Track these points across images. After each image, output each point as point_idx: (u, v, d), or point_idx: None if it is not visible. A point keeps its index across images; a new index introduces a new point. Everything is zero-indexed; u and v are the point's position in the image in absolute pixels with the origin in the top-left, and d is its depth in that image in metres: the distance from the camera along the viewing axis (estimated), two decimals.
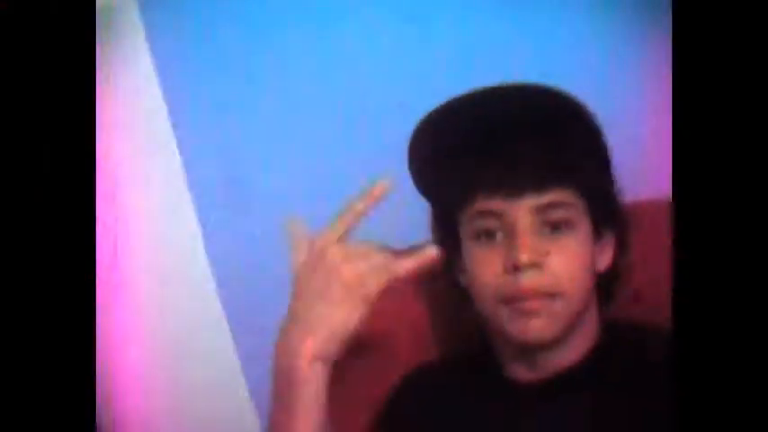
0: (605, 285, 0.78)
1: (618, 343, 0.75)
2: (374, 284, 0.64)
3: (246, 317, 1.14)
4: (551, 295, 0.70)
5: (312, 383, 0.64)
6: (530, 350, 0.73)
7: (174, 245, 1.19)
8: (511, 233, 0.70)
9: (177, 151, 1.17)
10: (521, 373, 0.75)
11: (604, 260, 0.77)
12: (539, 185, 0.70)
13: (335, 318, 0.64)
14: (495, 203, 0.71)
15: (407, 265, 0.65)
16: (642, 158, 0.98)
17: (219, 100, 1.15)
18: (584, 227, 0.73)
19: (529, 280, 0.69)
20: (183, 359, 1.22)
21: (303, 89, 1.13)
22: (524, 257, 0.68)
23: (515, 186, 0.70)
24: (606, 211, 0.76)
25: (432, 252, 0.66)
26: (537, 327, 0.70)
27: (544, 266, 0.69)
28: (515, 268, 0.69)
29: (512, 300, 0.70)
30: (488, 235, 0.72)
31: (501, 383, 0.76)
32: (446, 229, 0.77)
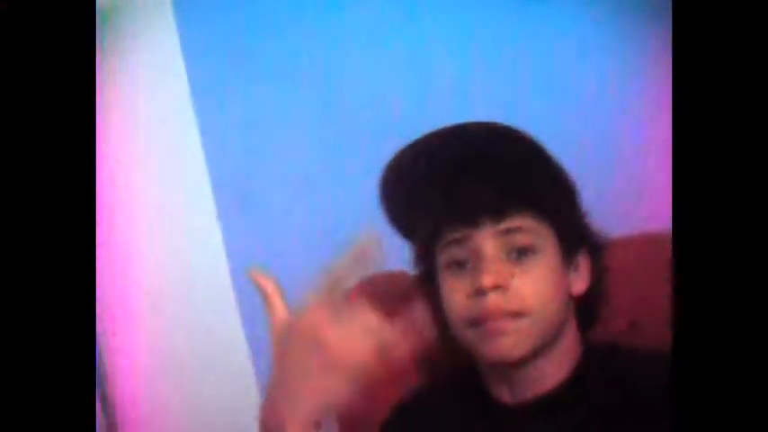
0: (583, 309, 0.80)
1: (599, 367, 0.77)
2: (361, 353, 0.55)
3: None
4: (517, 315, 0.72)
5: None
6: (507, 372, 0.76)
7: (190, 244, 1.19)
8: (477, 260, 0.74)
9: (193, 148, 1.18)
10: (504, 395, 0.78)
11: (580, 284, 0.79)
12: (495, 213, 0.74)
13: (322, 392, 0.56)
14: (460, 233, 0.75)
15: (400, 348, 0.56)
16: (641, 171, 0.98)
17: (241, 96, 1.16)
18: (550, 250, 0.76)
19: (493, 301, 0.72)
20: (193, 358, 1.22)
21: (313, 82, 1.14)
22: (487, 280, 0.72)
23: (473, 215, 0.74)
24: (574, 236, 0.79)
25: (420, 312, 0.62)
26: (505, 346, 0.73)
27: (509, 288, 0.73)
28: (479, 292, 0.72)
29: (478, 321, 0.73)
30: (459, 264, 0.76)
31: (487, 406, 0.79)
32: (425, 264, 0.81)
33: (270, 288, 0.59)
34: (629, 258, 0.88)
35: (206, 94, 1.17)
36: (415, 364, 0.91)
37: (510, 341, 0.72)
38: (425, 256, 0.81)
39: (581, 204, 0.81)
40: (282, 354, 0.58)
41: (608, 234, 0.82)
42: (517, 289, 0.73)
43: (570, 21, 1.06)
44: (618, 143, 1.04)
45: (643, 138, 1.02)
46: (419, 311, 0.61)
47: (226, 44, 1.16)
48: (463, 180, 0.75)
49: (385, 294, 0.92)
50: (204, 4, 1.15)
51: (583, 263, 0.80)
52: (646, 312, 0.84)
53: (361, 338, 0.55)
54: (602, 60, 1.06)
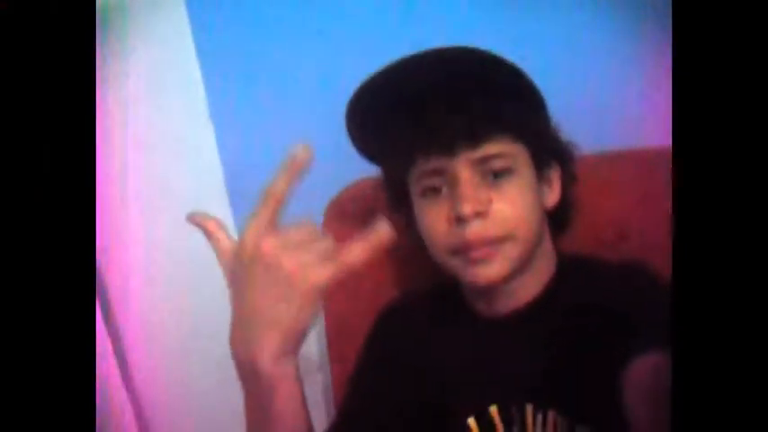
0: (556, 219, 0.81)
1: (571, 279, 0.78)
2: (321, 275, 0.55)
3: None
4: (500, 240, 0.72)
5: (284, 381, 0.59)
6: (486, 289, 0.77)
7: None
8: (453, 187, 0.73)
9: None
10: (483, 308, 0.80)
11: (552, 196, 0.80)
12: (471, 140, 0.72)
13: (285, 316, 0.56)
14: (434, 162, 0.73)
15: (358, 251, 0.55)
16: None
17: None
18: (525, 170, 0.75)
19: (474, 230, 0.71)
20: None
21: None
22: (467, 208, 0.70)
23: (449, 144, 0.72)
24: (546, 151, 0.78)
25: (384, 230, 0.55)
26: (487, 273, 0.73)
27: (488, 214, 0.72)
28: (459, 220, 0.71)
29: (460, 250, 0.73)
30: (434, 191, 0.75)
31: (467, 316, 0.82)
32: (396, 188, 0.81)
33: (211, 224, 0.61)
34: (623, 173, 0.90)
35: (216, 91, 1.17)
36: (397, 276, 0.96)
37: (491, 268, 0.73)
38: (398, 183, 0.80)
39: (551, 119, 0.80)
40: (241, 287, 0.58)
41: (581, 146, 0.83)
42: (497, 213, 0.72)
43: (569, 18, 1.05)
44: (617, 67, 1.03)
45: (643, 61, 1.01)
46: (381, 229, 0.55)
47: (238, 47, 1.15)
48: (437, 108, 0.73)
49: (354, 210, 0.96)
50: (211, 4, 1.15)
51: (554, 176, 0.80)
52: (635, 225, 0.87)
53: (318, 265, 0.55)
54: (602, 57, 1.05)
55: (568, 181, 0.81)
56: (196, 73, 1.14)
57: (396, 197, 0.81)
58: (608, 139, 0.94)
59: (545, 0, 1.04)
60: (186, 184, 1.17)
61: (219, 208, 1.16)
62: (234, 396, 0.65)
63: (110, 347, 1.20)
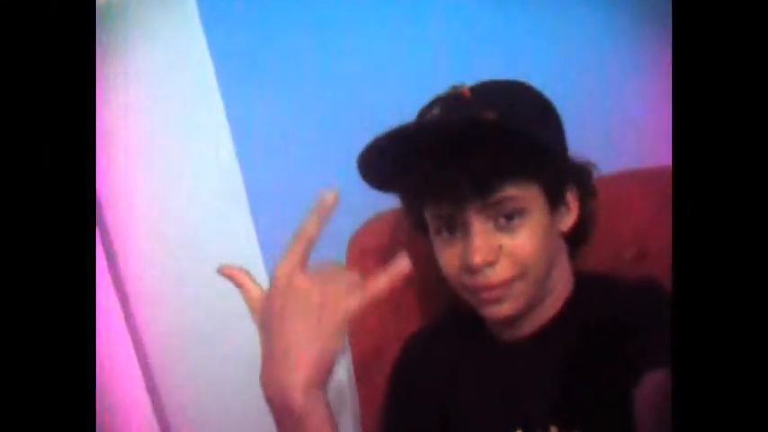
0: (575, 237, 0.81)
1: (588, 299, 0.79)
2: (349, 305, 0.59)
3: None
4: (510, 281, 0.73)
5: (315, 413, 0.59)
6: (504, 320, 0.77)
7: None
8: (465, 231, 0.74)
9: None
10: (502, 332, 0.81)
11: (570, 218, 0.80)
12: (480, 192, 0.72)
13: (316, 346, 0.58)
14: (445, 209, 0.75)
15: (381, 282, 0.59)
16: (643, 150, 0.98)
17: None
18: (538, 207, 0.75)
19: (484, 278, 0.73)
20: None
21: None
22: (477, 259, 0.72)
23: (458, 198, 0.73)
24: (561, 182, 0.78)
25: (404, 263, 0.59)
26: (500, 311, 0.75)
27: (498, 260, 0.73)
28: (469, 269, 0.73)
29: (473, 291, 0.75)
30: (449, 230, 0.76)
31: (487, 341, 0.83)
32: (415, 220, 0.82)
33: (236, 272, 0.63)
34: (637, 190, 0.90)
35: (221, 92, 1.16)
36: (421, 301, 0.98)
37: (506, 306, 0.74)
38: (416, 216, 0.81)
39: (565, 145, 0.80)
40: (272, 326, 0.60)
41: (598, 163, 0.82)
42: (507, 257, 0.73)
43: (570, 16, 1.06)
44: (620, 88, 1.04)
45: (645, 82, 1.02)
46: (402, 262, 0.59)
47: (245, 44, 1.14)
48: (445, 165, 0.72)
49: (376, 245, 0.98)
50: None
51: (571, 198, 0.80)
52: (654, 243, 0.87)
53: (345, 296, 0.58)
54: (603, 56, 1.05)
55: (587, 198, 0.81)
56: (210, 76, 1.13)
57: (416, 225, 0.83)
58: (609, 144, 0.94)
59: (545, 2, 1.05)
60: (200, 191, 1.16)
61: (240, 214, 1.17)
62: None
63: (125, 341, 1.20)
